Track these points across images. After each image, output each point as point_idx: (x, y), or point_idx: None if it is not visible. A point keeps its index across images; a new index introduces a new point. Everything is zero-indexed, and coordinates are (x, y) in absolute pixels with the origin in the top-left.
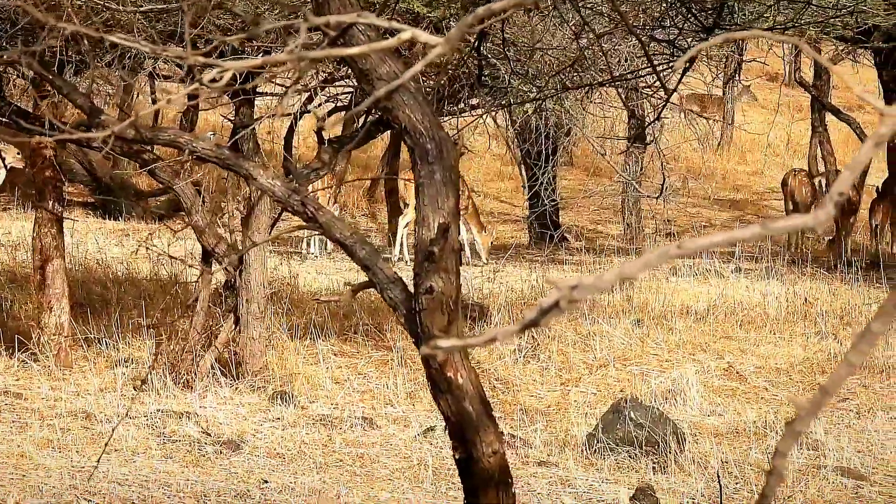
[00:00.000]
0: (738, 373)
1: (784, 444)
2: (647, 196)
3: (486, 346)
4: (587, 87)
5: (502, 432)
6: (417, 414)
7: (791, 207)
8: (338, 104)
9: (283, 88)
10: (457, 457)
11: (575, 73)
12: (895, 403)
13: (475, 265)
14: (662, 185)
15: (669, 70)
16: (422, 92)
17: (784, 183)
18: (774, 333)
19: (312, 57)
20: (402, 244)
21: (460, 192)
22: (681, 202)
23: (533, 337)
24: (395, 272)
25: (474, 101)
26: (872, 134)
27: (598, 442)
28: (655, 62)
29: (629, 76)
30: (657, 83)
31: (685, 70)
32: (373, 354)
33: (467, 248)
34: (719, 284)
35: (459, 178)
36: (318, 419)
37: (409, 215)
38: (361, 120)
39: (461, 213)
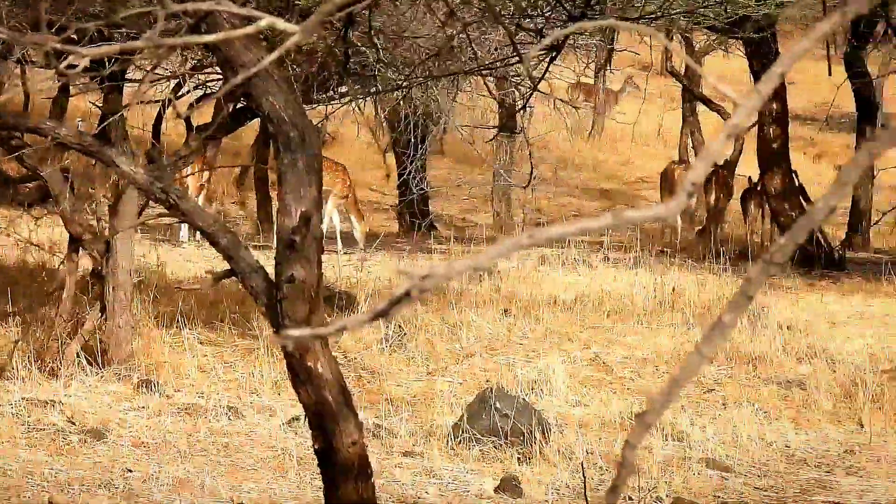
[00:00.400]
0: (604, 363)
1: (634, 435)
2: (515, 185)
3: (336, 335)
4: (454, 76)
5: (363, 423)
6: (283, 403)
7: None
8: (206, 91)
9: (154, 75)
10: (316, 447)
11: (442, 62)
12: (761, 395)
13: (346, 253)
14: (531, 174)
15: (534, 59)
16: (286, 80)
17: (664, 175)
18: (641, 324)
19: (170, 44)
20: None
21: (342, 181)
22: (551, 192)
23: (399, 326)
24: (257, 261)
25: (344, 89)
26: (726, 124)
27: (463, 432)
28: (523, 51)
29: (496, 65)
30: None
31: (552, 59)
32: (239, 343)
33: (339, 237)
34: (588, 274)
35: (322, 166)
36: (183, 408)
37: None
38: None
39: (343, 200)
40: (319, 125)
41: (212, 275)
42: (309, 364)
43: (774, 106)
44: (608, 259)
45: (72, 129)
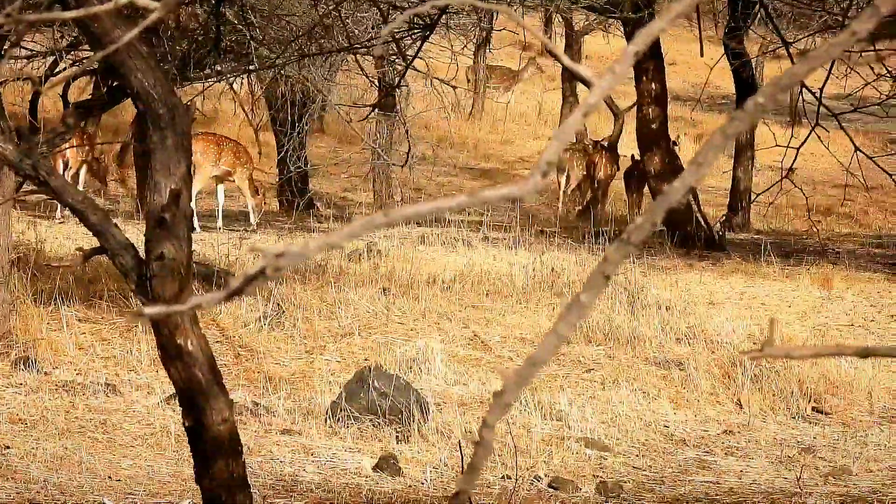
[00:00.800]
0: (483, 342)
1: (492, 415)
2: (393, 164)
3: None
4: (327, 55)
5: (233, 401)
6: (161, 380)
7: (564, 181)
8: (84, 68)
9: (29, 52)
10: (187, 424)
11: (315, 41)
12: (640, 375)
13: (233, 230)
14: (408, 153)
15: (407, 38)
16: (155, 57)
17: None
18: (521, 303)
19: (31, 20)
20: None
21: (246, 160)
22: (431, 171)
23: (278, 304)
24: (127, 238)
25: (221, 67)
26: (581, 103)
27: (341, 411)
28: (395, 31)
29: (368, 43)
30: (417, 51)
31: (425, 38)
32: (117, 321)
33: (220, 215)
34: (467, 253)
35: (192, 143)
36: (60, 385)
37: (196, 184)
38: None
39: (247, 179)
40: (189, 103)
41: (82, 251)
42: (179, 342)
43: (653, 86)
44: (487, 239)
45: None
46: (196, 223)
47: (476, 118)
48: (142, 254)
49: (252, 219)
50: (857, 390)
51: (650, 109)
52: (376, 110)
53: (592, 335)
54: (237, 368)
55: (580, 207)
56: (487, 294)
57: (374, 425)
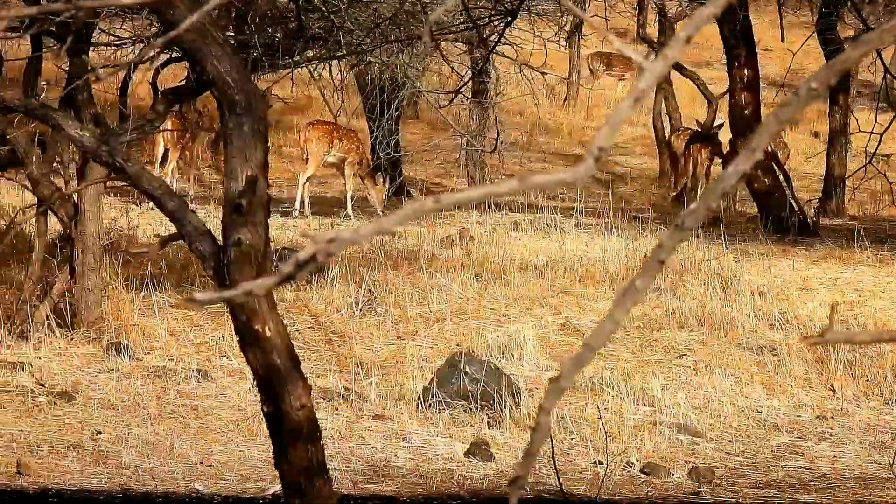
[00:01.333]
0: (575, 328)
1: (548, 400)
2: (482, 150)
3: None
4: (406, 41)
5: (311, 386)
6: None
7: (670, 168)
8: (172, 55)
9: (118, 39)
10: (265, 410)
11: (400, 27)
12: (733, 360)
13: (354, 217)
14: (497, 138)
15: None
16: (231, 44)
17: (668, 143)
18: (613, 289)
19: (89, 6)
20: (302, 199)
21: (356, 148)
22: (525, 157)
23: (370, 290)
24: (205, 224)
25: (310, 54)
26: (631, 88)
27: (433, 396)
28: (477, 17)
29: (451, 30)
30: (493, 37)
31: (507, 24)
32: (208, 306)
33: (349, 203)
34: (560, 239)
35: (268, 129)
36: (152, 370)
37: (309, 170)
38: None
39: (358, 167)
40: (266, 90)
41: (159, 238)
42: (256, 327)
43: (746, 72)
44: (580, 224)
45: (15, 94)
46: (307, 208)
47: (570, 104)
48: (220, 240)
49: (349, 208)
50: None
51: (743, 95)
52: (465, 96)
53: (685, 321)
54: (329, 354)
55: (674, 193)
56: (580, 280)
57: (465, 411)
